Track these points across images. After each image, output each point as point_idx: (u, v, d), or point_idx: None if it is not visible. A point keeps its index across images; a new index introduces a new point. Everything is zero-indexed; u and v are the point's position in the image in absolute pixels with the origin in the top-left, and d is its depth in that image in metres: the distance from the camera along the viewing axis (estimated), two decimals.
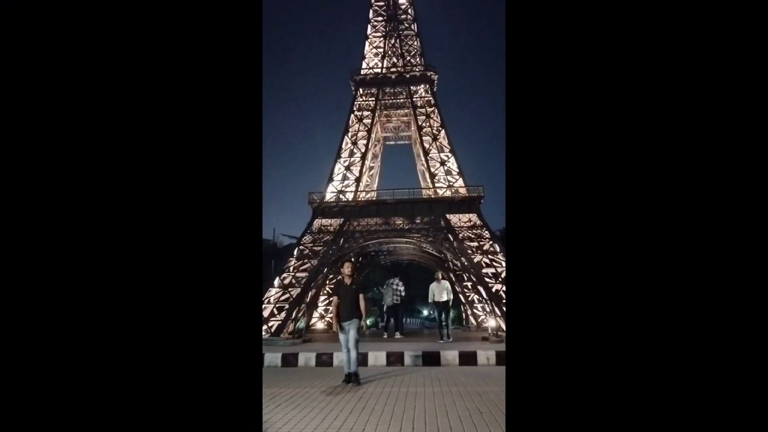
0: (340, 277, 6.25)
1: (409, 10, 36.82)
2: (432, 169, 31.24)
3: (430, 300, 11.02)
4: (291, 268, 28.76)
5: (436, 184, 30.80)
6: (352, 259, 7.66)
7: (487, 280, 26.67)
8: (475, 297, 30.89)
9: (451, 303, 11.09)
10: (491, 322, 15.50)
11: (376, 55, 35.52)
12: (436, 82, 34.17)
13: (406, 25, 36.24)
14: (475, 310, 30.71)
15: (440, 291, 10.76)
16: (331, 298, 33.34)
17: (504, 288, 25.71)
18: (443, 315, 10.64)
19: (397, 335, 12.46)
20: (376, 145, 36.09)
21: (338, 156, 32.11)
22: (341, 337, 6.06)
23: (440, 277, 11.24)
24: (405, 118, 35.65)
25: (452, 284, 33.34)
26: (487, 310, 28.57)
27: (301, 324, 27.48)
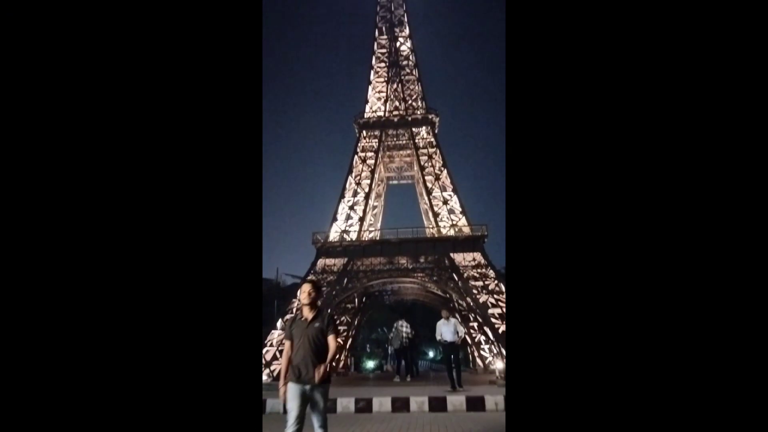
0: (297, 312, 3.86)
1: (411, 57, 38.29)
2: (435, 208, 31.42)
3: (438, 338, 9.62)
4: (294, 310, 28.40)
5: (440, 223, 30.87)
6: (314, 279, 4.82)
7: (493, 320, 26.16)
8: (482, 338, 30.19)
9: (460, 342, 9.64)
10: (499, 364, 15.06)
11: (379, 99, 36.63)
12: (437, 124, 35.00)
13: (407, 71, 37.58)
14: (482, 352, 29.92)
15: (447, 330, 9.47)
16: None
17: None
18: (452, 358, 9.28)
19: (408, 378, 12.17)
20: (379, 185, 36.52)
21: (342, 196, 32.44)
22: (289, 404, 3.31)
23: (447, 315, 9.84)
24: (408, 159, 36.28)
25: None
26: (494, 351, 27.83)
27: None
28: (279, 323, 28.00)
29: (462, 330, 9.61)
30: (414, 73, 37.54)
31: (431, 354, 43.40)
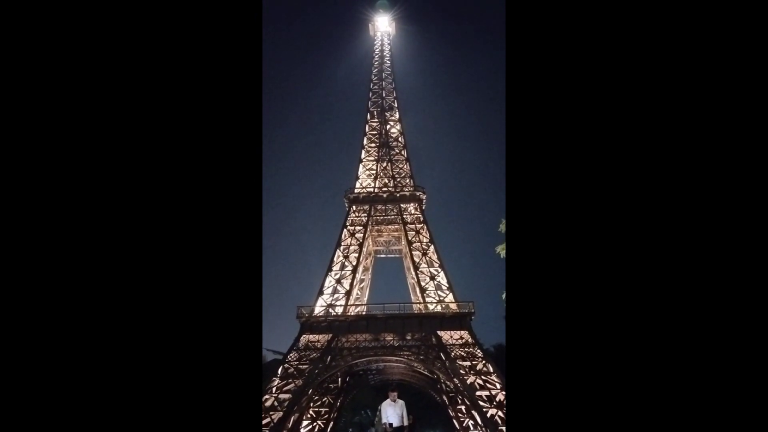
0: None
1: (400, 138, 40.38)
2: (422, 283, 31.32)
3: (383, 420, 8.30)
4: (274, 389, 26.91)
5: (426, 299, 30.61)
6: None
7: (481, 403, 25.05)
8: (470, 423, 28.66)
9: (407, 430, 8.36)
10: None
11: (369, 176, 37.99)
12: (424, 201, 36.09)
13: (396, 151, 39.43)
14: None
15: (394, 413, 8.26)
16: (314, 423, 30.54)
17: (499, 413, 24.05)
18: None
19: None
20: (367, 258, 36.59)
21: (330, 269, 32.29)
22: None
23: (395, 396, 8.61)
24: (396, 233, 36.79)
25: (445, 407, 30.90)
26: None
27: None
28: None
29: (407, 417, 8.36)
30: (403, 153, 39.36)
31: None
